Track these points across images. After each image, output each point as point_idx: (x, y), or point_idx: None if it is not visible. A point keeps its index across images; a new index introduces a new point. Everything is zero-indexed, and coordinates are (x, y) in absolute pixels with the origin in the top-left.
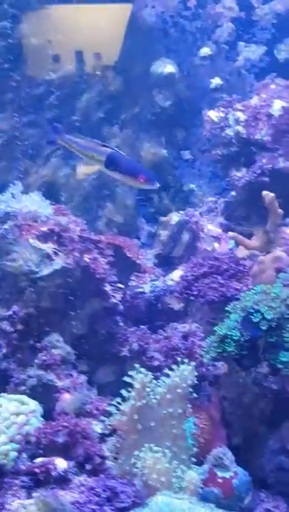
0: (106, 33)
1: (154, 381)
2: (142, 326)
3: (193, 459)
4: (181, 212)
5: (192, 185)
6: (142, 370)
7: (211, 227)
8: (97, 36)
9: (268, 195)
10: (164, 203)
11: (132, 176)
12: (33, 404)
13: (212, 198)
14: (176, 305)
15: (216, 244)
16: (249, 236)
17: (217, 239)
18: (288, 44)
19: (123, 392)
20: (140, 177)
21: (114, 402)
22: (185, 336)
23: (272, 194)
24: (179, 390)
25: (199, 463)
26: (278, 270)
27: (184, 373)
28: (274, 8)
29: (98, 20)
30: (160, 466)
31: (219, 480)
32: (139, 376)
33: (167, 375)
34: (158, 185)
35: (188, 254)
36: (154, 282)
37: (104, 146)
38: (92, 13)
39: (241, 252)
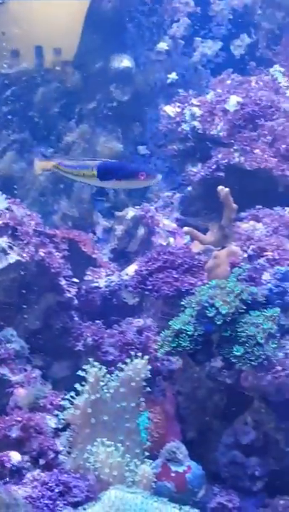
0: (64, 28)
1: (108, 375)
2: (97, 321)
3: (147, 453)
4: (137, 207)
5: None
6: (96, 364)
7: (167, 222)
8: (56, 31)
9: (222, 190)
10: (120, 197)
11: (131, 178)
12: None
13: (168, 193)
14: (131, 300)
15: (172, 239)
16: (205, 231)
17: (173, 234)
18: (244, 40)
19: (77, 386)
20: (140, 175)
21: (68, 397)
22: (140, 331)
23: (227, 189)
24: (132, 384)
25: (154, 457)
26: (233, 265)
27: (138, 367)
28: (230, 3)
29: (57, 16)
30: (113, 460)
31: (172, 474)
32: (92, 370)
33: (121, 369)
34: (160, 176)
35: (143, 249)
36: (109, 277)
37: (90, 160)
38: (51, 9)
39: (196, 247)
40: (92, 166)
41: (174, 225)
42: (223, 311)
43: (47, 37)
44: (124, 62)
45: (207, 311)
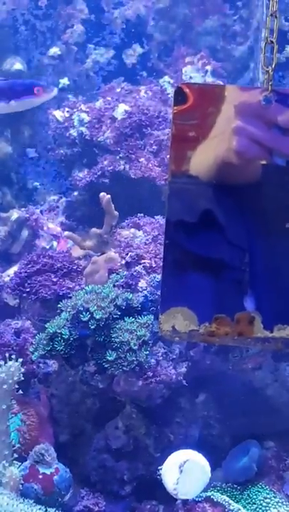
0: None
1: None
2: None
3: (16, 455)
4: (23, 209)
5: (36, 183)
6: None
7: (52, 225)
8: None
9: (104, 196)
10: (7, 199)
11: (26, 96)
12: None
13: (54, 197)
14: (12, 301)
15: (55, 243)
16: (88, 236)
17: (57, 237)
18: (136, 50)
19: None
20: (36, 91)
21: None
22: (17, 333)
23: (108, 196)
24: (4, 386)
25: (25, 459)
26: (111, 271)
27: (11, 370)
28: (124, 13)
29: None
30: None
31: (40, 476)
32: None
33: None
34: (56, 89)
35: (26, 252)
36: None
37: None
38: None
39: (76, 252)
40: None
41: (59, 229)
42: (97, 316)
43: None
44: (16, 65)
45: (82, 316)
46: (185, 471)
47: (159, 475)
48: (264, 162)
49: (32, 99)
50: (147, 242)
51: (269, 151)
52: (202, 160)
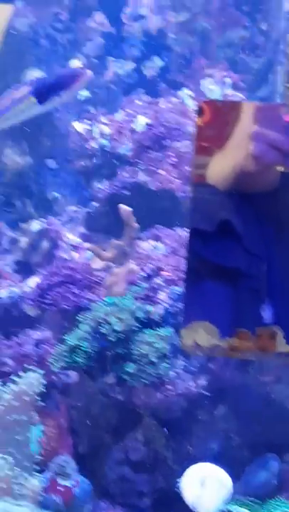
0: None
1: (2, 387)
2: None
3: (37, 467)
4: (43, 220)
5: (56, 194)
6: None
7: (71, 236)
8: None
9: (124, 208)
10: (28, 210)
11: (72, 85)
12: None
13: (74, 208)
14: (32, 312)
15: (75, 254)
16: (108, 248)
17: (76, 248)
18: (156, 62)
19: None
20: (78, 76)
21: None
22: (37, 344)
23: (129, 208)
24: (25, 398)
25: (46, 470)
26: (130, 283)
27: (32, 381)
28: (144, 26)
29: None
30: (1, 472)
31: (60, 488)
32: None
33: (14, 382)
34: (89, 71)
35: (46, 262)
36: (11, 288)
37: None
38: None
39: (96, 263)
40: (25, 95)
41: (78, 240)
42: (117, 328)
43: None
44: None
45: (101, 328)
46: (206, 485)
47: (179, 488)
48: (282, 169)
49: (77, 84)
50: (167, 254)
51: (287, 156)
52: (221, 169)
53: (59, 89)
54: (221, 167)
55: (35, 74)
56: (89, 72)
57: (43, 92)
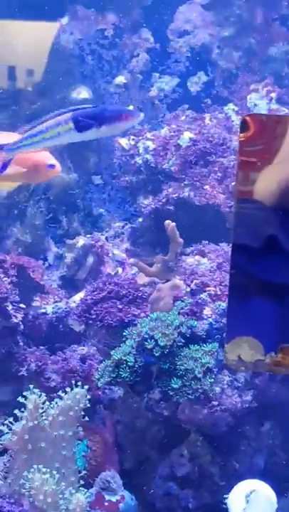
0: (35, 50)
1: (48, 402)
2: (42, 347)
3: (82, 482)
4: (88, 235)
5: (101, 210)
6: (36, 390)
7: (116, 251)
8: (27, 53)
9: (169, 224)
10: (73, 225)
11: (115, 122)
12: None
13: (119, 223)
14: (77, 327)
15: (120, 269)
16: (152, 263)
17: (121, 264)
18: (201, 77)
19: (16, 412)
20: (125, 117)
21: (6, 422)
22: (83, 359)
23: (174, 223)
24: (70, 413)
25: (91, 485)
26: (176, 298)
27: (77, 396)
28: (189, 41)
29: (29, 37)
30: (47, 487)
31: (106, 503)
32: (32, 397)
33: (60, 397)
34: (142, 114)
35: (92, 278)
36: (56, 304)
37: (55, 115)
38: (25, 29)
39: (141, 279)
40: (66, 120)
41: (124, 255)
42: (161, 343)
43: (20, 58)
44: (83, 93)
45: (146, 343)
46: (251, 501)
47: (225, 504)
48: None
49: (121, 124)
50: (212, 269)
51: None
52: (267, 185)
53: (101, 123)
54: (268, 182)
55: (81, 91)
56: (141, 116)
57: (84, 121)
